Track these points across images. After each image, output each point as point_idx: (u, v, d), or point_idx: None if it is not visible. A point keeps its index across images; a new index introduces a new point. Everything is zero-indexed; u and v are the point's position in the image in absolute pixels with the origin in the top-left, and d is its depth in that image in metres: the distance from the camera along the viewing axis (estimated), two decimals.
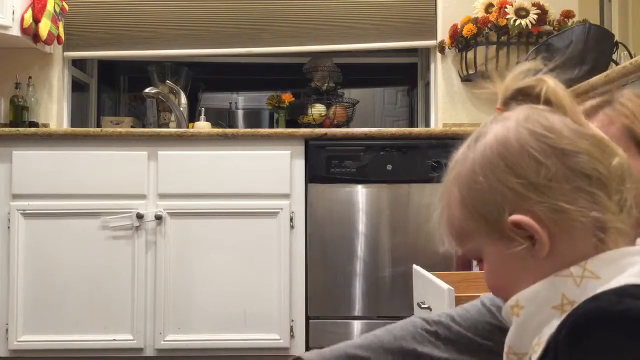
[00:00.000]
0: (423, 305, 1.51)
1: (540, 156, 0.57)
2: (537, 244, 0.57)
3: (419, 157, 2.20)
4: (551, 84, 0.62)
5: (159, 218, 2.16)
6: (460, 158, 0.63)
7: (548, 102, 0.61)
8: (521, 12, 2.48)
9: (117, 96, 3.62)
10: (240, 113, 3.76)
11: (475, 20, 2.56)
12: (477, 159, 0.60)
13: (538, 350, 0.56)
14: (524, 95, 0.63)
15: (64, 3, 2.67)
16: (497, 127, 0.61)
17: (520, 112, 0.61)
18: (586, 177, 0.57)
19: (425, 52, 3.03)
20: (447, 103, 2.77)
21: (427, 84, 3.01)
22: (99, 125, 3.06)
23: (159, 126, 2.85)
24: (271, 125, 3.57)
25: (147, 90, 2.63)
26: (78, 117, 3.04)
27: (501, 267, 0.61)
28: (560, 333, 0.53)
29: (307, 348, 2.18)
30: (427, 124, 2.97)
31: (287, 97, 2.98)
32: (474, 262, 2.09)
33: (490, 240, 0.60)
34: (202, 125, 2.58)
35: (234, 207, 2.18)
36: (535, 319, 0.58)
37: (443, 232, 0.66)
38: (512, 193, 0.58)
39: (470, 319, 0.92)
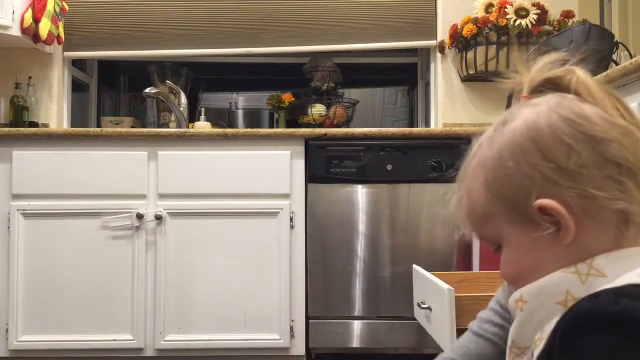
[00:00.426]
0: (423, 305, 1.51)
1: (572, 141, 0.56)
2: (562, 230, 0.57)
3: (419, 157, 2.20)
4: (581, 74, 0.61)
5: (159, 218, 2.16)
6: (486, 143, 0.62)
7: (577, 93, 0.60)
8: (521, 12, 2.48)
9: (117, 96, 3.62)
10: (240, 113, 3.76)
11: (475, 20, 2.56)
12: (506, 144, 0.60)
13: (540, 345, 0.56)
14: (552, 85, 0.62)
15: (64, 3, 2.67)
16: (527, 112, 0.60)
17: (550, 99, 0.60)
18: (616, 166, 0.56)
19: (425, 52, 3.03)
20: (447, 103, 2.77)
21: (427, 84, 3.01)
22: (99, 125, 3.06)
23: (159, 126, 2.86)
24: (271, 125, 3.57)
25: (147, 90, 2.63)
26: (78, 117, 3.04)
27: (521, 252, 0.60)
28: (557, 330, 0.53)
29: (307, 348, 2.18)
30: (427, 124, 2.97)
31: (287, 97, 2.98)
32: (475, 262, 2.09)
33: (515, 225, 0.60)
34: (202, 125, 2.58)
35: (234, 207, 2.18)
36: (538, 314, 0.58)
37: (461, 216, 0.65)
38: (542, 178, 0.57)
39: (473, 355, 0.88)
